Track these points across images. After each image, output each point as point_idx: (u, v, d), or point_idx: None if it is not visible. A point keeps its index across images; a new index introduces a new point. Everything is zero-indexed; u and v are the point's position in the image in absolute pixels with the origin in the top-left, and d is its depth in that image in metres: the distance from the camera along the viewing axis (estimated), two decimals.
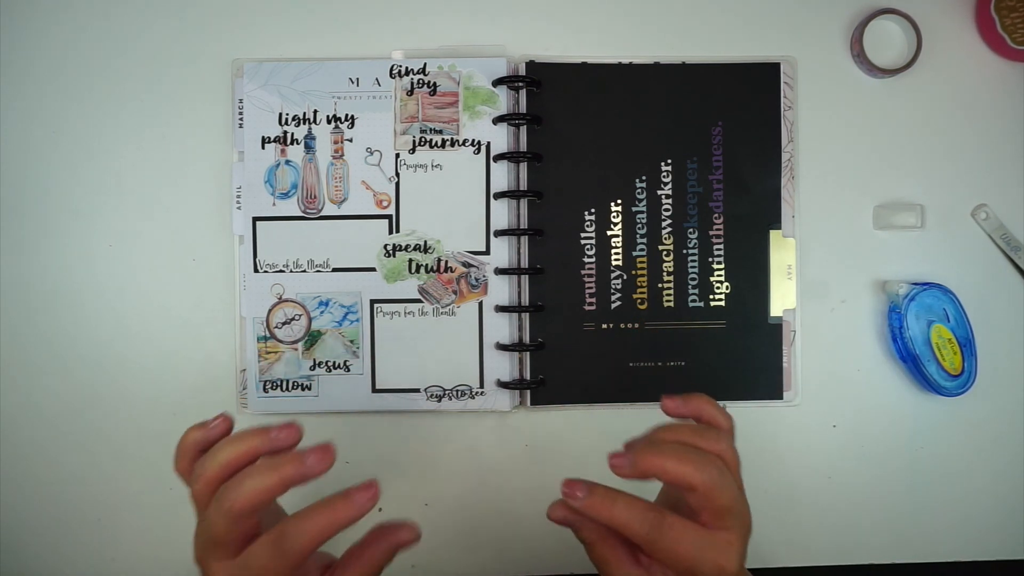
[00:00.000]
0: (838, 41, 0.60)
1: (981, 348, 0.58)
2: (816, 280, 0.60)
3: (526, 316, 0.59)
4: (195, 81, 0.59)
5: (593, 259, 0.59)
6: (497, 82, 0.58)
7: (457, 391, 0.58)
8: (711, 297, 0.59)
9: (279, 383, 0.58)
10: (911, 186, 0.60)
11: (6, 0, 0.59)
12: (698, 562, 0.38)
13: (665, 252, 0.59)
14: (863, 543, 0.59)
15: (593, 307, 0.59)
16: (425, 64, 0.58)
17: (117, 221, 0.59)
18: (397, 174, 0.58)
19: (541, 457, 0.59)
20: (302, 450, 0.37)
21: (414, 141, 0.58)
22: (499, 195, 0.58)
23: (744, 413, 0.58)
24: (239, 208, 0.59)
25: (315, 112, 0.58)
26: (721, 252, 0.59)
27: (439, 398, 0.58)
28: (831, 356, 0.60)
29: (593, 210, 0.59)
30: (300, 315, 0.58)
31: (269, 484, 0.37)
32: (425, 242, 0.58)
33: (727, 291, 0.59)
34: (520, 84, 0.58)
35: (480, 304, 0.58)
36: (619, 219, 0.59)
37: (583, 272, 0.59)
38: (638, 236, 0.59)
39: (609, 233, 0.59)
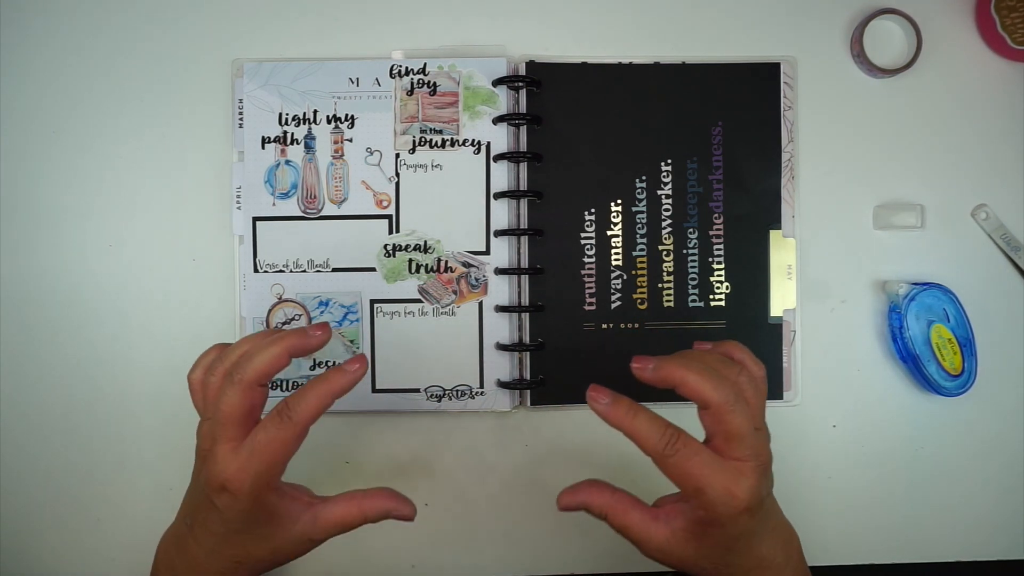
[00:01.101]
0: (838, 41, 0.60)
1: (981, 348, 0.58)
2: (816, 280, 0.60)
3: (526, 316, 0.59)
4: (195, 81, 0.59)
5: (593, 259, 0.59)
6: (497, 82, 0.58)
7: (457, 391, 0.58)
8: (711, 297, 0.59)
9: (279, 383, 0.58)
10: (911, 186, 0.60)
11: (6, 0, 0.59)
12: (707, 483, 0.38)
13: (665, 252, 0.59)
14: (863, 543, 0.59)
15: (593, 307, 0.59)
16: (425, 64, 0.58)
17: (117, 221, 0.59)
18: (397, 174, 0.58)
19: (541, 457, 0.59)
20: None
21: (414, 141, 0.58)
22: (499, 195, 0.58)
23: None
24: (239, 208, 0.59)
25: (315, 112, 0.58)
26: (721, 252, 0.59)
27: (439, 398, 0.58)
28: (831, 356, 0.60)
29: (593, 210, 0.59)
30: (300, 315, 0.58)
31: (276, 353, 0.40)
32: (425, 242, 0.58)
33: (727, 291, 0.59)
34: (520, 84, 0.58)
35: (480, 304, 0.58)
36: (619, 219, 0.59)
37: (583, 272, 0.59)
38: (638, 236, 0.59)
39: (609, 233, 0.59)
